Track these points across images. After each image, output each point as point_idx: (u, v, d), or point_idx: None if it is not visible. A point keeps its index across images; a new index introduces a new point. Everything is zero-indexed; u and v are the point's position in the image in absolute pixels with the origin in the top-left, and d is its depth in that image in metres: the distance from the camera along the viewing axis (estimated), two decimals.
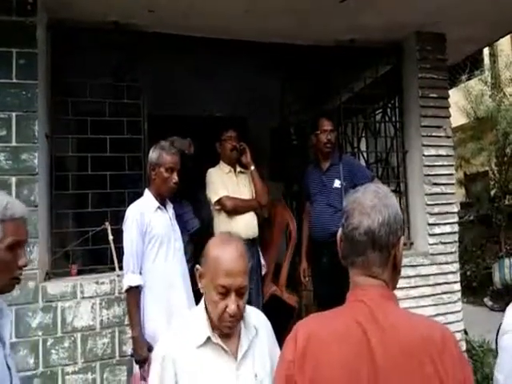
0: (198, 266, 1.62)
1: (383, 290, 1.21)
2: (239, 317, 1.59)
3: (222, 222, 3.76)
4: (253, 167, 3.89)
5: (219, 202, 3.72)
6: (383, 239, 1.20)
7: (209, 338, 1.56)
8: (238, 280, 1.54)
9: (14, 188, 3.10)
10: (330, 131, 3.89)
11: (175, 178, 3.00)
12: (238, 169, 3.96)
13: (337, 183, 3.83)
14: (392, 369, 1.08)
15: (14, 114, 3.14)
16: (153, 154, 3.02)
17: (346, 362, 1.09)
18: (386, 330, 1.12)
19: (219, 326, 1.57)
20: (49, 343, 3.13)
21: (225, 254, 1.56)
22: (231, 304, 1.53)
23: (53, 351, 3.13)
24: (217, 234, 3.78)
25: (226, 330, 1.58)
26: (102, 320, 3.26)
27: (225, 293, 1.54)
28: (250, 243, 3.81)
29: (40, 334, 3.12)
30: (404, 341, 1.11)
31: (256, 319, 1.72)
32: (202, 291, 1.63)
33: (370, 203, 1.22)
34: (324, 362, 1.10)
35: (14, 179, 3.11)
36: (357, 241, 1.21)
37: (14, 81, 3.15)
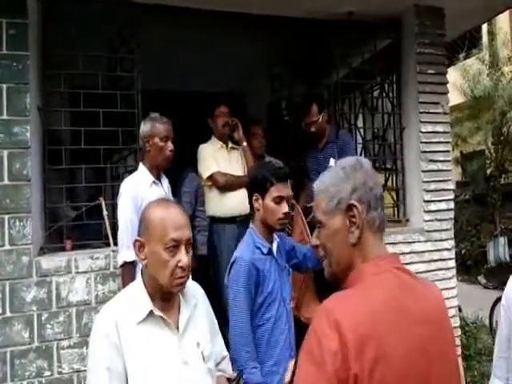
0: (136, 238, 1.58)
1: (397, 257, 1.26)
2: (188, 271, 1.58)
3: (213, 198, 3.74)
4: (245, 143, 3.86)
5: (211, 177, 3.68)
6: None
7: (150, 312, 1.53)
8: (186, 232, 1.57)
9: (5, 162, 3.06)
10: (314, 122, 3.81)
11: (170, 146, 2.99)
12: (230, 145, 3.92)
13: (332, 162, 3.79)
14: (432, 332, 1.12)
15: (4, 86, 3.08)
16: (145, 127, 3.00)
17: (402, 333, 1.07)
18: (418, 298, 1.15)
19: (170, 286, 1.54)
20: (44, 318, 3.12)
21: (169, 212, 1.57)
22: (183, 257, 1.54)
23: (48, 326, 3.13)
24: (208, 210, 3.77)
25: (177, 288, 1.57)
26: (97, 295, 3.25)
27: (176, 247, 1.54)
28: (242, 220, 3.79)
29: (35, 308, 3.10)
30: (432, 305, 1.18)
31: (194, 291, 1.75)
32: (143, 263, 1.57)
33: None
34: (384, 340, 1.03)
35: (5, 152, 3.07)
36: (383, 200, 1.27)
37: (5, 52, 3.08)
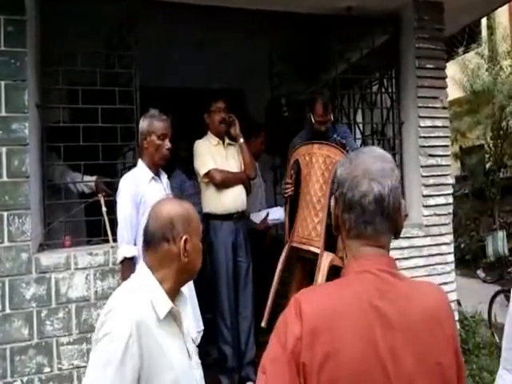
0: (185, 237, 1.56)
1: (388, 259, 1.17)
2: None
3: (210, 195, 3.73)
4: (242, 140, 3.84)
5: (208, 174, 3.68)
6: (391, 206, 1.15)
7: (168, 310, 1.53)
8: None
9: (4, 158, 3.07)
10: (326, 121, 3.67)
11: (168, 144, 2.98)
12: (227, 141, 3.91)
13: None
14: (408, 339, 1.06)
15: (2, 83, 3.08)
16: (143, 123, 2.99)
17: (362, 335, 1.04)
18: (398, 301, 1.09)
19: (195, 273, 1.66)
20: (43, 314, 3.13)
21: (189, 208, 1.67)
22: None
23: (47, 322, 3.14)
24: (205, 207, 3.77)
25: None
26: (96, 291, 3.25)
27: None
28: (238, 217, 3.79)
29: (34, 305, 3.11)
30: (416, 310, 1.10)
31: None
32: (185, 260, 1.56)
33: (379, 168, 1.15)
34: (339, 337, 1.03)
35: (4, 149, 3.07)
36: (366, 210, 1.13)
37: (3, 48, 3.08)
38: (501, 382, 1.79)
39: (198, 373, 1.65)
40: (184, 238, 1.55)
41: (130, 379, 1.39)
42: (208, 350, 3.76)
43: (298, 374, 1.01)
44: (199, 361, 1.70)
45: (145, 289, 1.55)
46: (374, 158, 1.18)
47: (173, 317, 1.56)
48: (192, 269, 1.63)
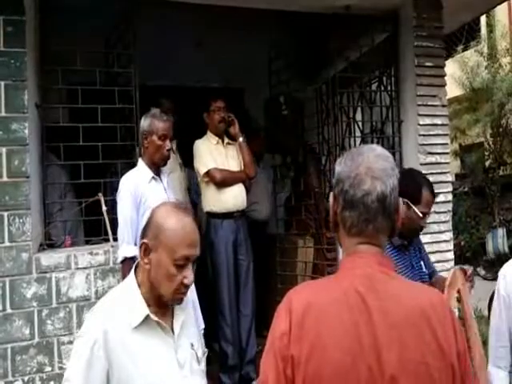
0: (144, 240, 1.49)
1: (382, 258, 1.17)
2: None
3: (210, 194, 3.74)
4: (241, 139, 3.85)
5: (208, 173, 3.69)
6: (392, 204, 1.15)
7: (146, 317, 1.47)
8: (197, 251, 1.52)
9: (4, 159, 3.07)
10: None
11: (168, 145, 2.97)
12: (226, 140, 3.92)
13: None
14: (392, 337, 1.05)
15: (2, 83, 3.09)
16: (144, 123, 2.98)
17: (347, 330, 1.04)
18: (386, 299, 1.08)
19: (169, 300, 1.51)
20: (44, 314, 3.14)
21: (185, 225, 1.50)
22: (190, 274, 1.49)
23: (48, 322, 3.14)
24: (205, 205, 3.78)
25: (176, 302, 1.54)
26: (96, 290, 3.26)
27: (185, 264, 1.47)
28: (238, 215, 3.81)
29: (35, 304, 3.12)
30: (404, 309, 1.09)
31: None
32: (145, 267, 1.49)
33: (381, 167, 1.15)
34: (324, 332, 1.04)
35: (4, 150, 3.08)
36: (369, 208, 1.13)
37: (2, 49, 3.09)
38: (494, 379, 1.80)
39: (195, 382, 1.58)
40: (144, 241, 1.49)
41: (97, 379, 1.41)
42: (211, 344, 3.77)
43: (285, 366, 1.04)
44: (201, 368, 1.63)
45: (123, 293, 1.54)
46: (377, 156, 1.17)
47: (157, 323, 1.50)
48: (157, 288, 1.48)
